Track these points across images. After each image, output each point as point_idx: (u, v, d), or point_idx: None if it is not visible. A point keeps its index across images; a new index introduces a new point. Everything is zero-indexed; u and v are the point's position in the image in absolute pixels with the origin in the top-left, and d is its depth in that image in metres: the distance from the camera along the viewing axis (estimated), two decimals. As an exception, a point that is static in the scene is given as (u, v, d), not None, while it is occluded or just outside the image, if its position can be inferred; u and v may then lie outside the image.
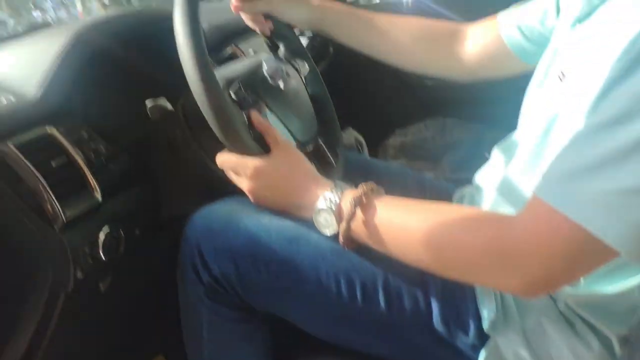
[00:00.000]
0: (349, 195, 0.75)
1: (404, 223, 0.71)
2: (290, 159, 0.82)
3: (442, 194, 1.06)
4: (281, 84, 0.94)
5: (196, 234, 0.85)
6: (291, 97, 0.95)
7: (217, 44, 1.20)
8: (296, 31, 1.10)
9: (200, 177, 0.94)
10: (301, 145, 0.94)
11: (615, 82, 0.56)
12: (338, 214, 0.75)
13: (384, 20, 1.07)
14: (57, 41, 0.86)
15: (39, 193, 0.76)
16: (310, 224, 0.79)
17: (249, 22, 1.02)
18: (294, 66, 1.03)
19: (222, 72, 0.90)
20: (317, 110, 1.08)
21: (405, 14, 1.98)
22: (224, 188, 0.85)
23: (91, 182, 0.82)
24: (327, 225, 0.76)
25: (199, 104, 0.77)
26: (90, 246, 0.82)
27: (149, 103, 0.84)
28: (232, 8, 0.99)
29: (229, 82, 0.87)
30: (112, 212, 0.85)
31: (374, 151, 1.86)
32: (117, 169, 0.88)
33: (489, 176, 0.92)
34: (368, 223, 0.73)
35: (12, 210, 0.76)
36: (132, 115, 0.89)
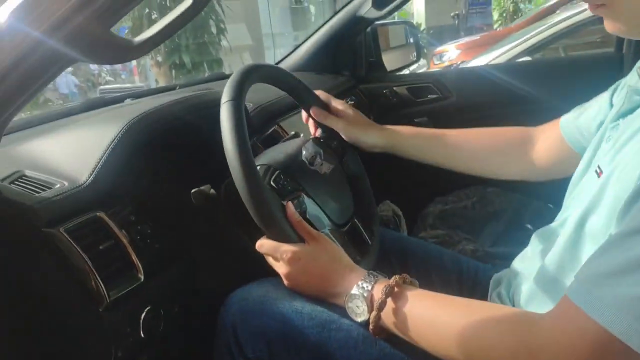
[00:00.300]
0: (382, 285, 0.77)
1: (434, 318, 0.72)
2: (326, 248, 0.85)
3: (480, 277, 1.06)
4: (319, 168, 0.98)
5: (232, 316, 0.87)
6: (328, 181, 0.98)
7: (261, 123, 1.26)
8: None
9: (239, 257, 0.97)
10: (337, 227, 0.97)
11: None
12: (370, 302, 0.78)
13: (454, 136, 1.12)
14: (110, 129, 0.92)
15: (85, 275, 0.80)
16: (342, 310, 0.82)
17: (310, 120, 1.11)
18: (332, 148, 1.07)
19: (264, 159, 0.95)
20: (355, 189, 1.12)
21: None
22: (261, 268, 0.88)
23: (135, 262, 0.86)
24: (359, 312, 0.79)
25: (240, 194, 0.82)
26: (132, 325, 0.85)
27: (194, 191, 0.89)
28: (307, 118, 1.09)
29: (270, 170, 0.92)
30: (154, 291, 0.89)
31: (413, 220, 1.87)
32: (160, 248, 0.92)
33: (527, 263, 0.92)
34: (398, 314, 0.75)
35: (60, 291, 0.81)
36: (177, 198, 0.93)
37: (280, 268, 0.85)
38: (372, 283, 0.79)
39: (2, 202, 0.80)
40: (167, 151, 0.98)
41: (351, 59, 2.15)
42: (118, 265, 0.84)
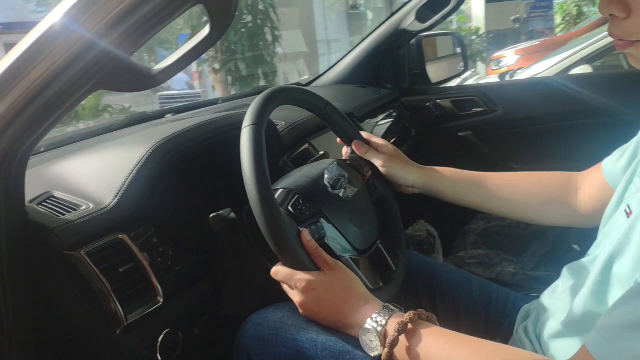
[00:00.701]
0: (396, 320, 0.75)
1: (447, 358, 0.70)
2: (341, 278, 0.84)
3: (509, 307, 1.03)
4: (341, 193, 0.96)
5: (247, 341, 0.87)
6: (351, 205, 0.97)
7: (292, 142, 1.26)
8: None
9: (259, 280, 0.97)
10: (359, 253, 0.95)
11: None
12: (383, 337, 0.76)
13: (494, 179, 1.08)
14: (136, 152, 0.93)
15: (105, 298, 0.81)
16: (357, 341, 0.80)
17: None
18: (358, 170, 1.05)
19: (285, 183, 0.94)
20: (382, 212, 1.09)
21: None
22: (282, 293, 0.87)
23: (155, 285, 0.87)
24: (372, 346, 0.77)
25: (257, 220, 0.82)
26: (149, 348, 0.86)
27: (212, 215, 0.89)
28: (355, 145, 1.09)
29: (290, 194, 0.91)
30: (173, 313, 0.90)
31: (449, 240, 1.82)
32: (182, 271, 0.93)
33: (556, 300, 0.88)
34: (411, 352, 0.73)
35: (79, 313, 0.83)
36: (200, 221, 0.94)
37: (295, 296, 0.84)
38: (387, 318, 0.77)
39: (28, 225, 0.83)
40: (191, 174, 0.99)
41: (394, 71, 2.12)
42: (138, 288, 0.85)
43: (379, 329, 0.76)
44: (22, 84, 0.69)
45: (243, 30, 8.49)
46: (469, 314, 1.03)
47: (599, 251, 0.80)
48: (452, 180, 1.08)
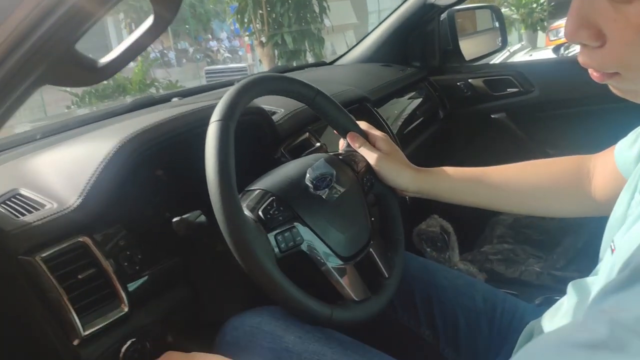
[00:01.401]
0: None
1: None
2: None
3: (515, 323, 0.92)
4: (324, 194, 0.88)
5: (224, 346, 0.82)
6: (334, 208, 0.88)
7: (290, 131, 1.17)
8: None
9: (238, 283, 0.90)
10: (345, 260, 0.87)
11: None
12: None
13: (496, 174, 0.97)
14: (103, 147, 0.87)
15: (61, 307, 0.76)
16: (334, 353, 0.76)
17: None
18: (351, 166, 0.96)
19: (261, 184, 0.87)
20: (379, 211, 1.00)
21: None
22: (264, 297, 0.81)
23: (119, 293, 0.82)
24: None
25: (219, 224, 0.75)
26: (111, 359, 0.80)
27: (175, 220, 0.83)
28: (349, 137, 0.99)
29: (264, 197, 0.83)
30: (140, 322, 0.84)
31: (468, 236, 1.69)
32: (152, 276, 0.87)
33: (558, 320, 0.77)
34: None
35: (38, 321, 0.78)
36: (171, 222, 0.87)
37: None
38: None
39: None
40: (165, 172, 0.92)
41: (422, 48, 1.99)
42: (99, 296, 0.80)
43: None
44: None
45: (290, 1, 8.36)
46: (470, 327, 0.94)
47: (599, 266, 0.69)
48: (450, 182, 0.97)
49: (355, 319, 0.84)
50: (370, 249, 0.92)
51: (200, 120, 0.90)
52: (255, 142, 1.09)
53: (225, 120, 0.80)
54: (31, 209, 0.83)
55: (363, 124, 1.02)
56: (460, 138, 2.00)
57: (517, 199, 0.96)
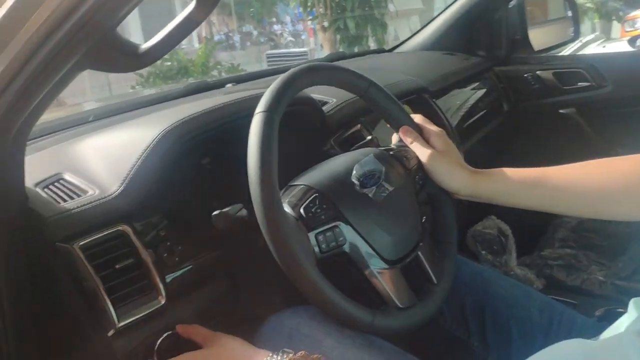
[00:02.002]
0: None
1: None
2: (221, 347, 0.77)
3: (572, 337, 0.84)
4: (371, 193, 0.83)
5: (262, 347, 0.78)
6: (381, 208, 0.83)
7: (342, 122, 1.12)
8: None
9: (278, 280, 0.87)
10: (390, 264, 0.82)
11: None
12: None
13: (559, 176, 0.89)
14: (147, 135, 0.85)
15: (96, 297, 0.75)
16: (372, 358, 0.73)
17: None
18: (402, 163, 0.91)
19: (304, 179, 0.83)
20: (431, 212, 0.94)
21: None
22: (301, 294, 0.77)
23: (157, 284, 0.80)
24: None
25: (258, 220, 0.72)
26: (145, 352, 0.79)
27: (215, 213, 0.80)
28: (402, 131, 0.93)
29: (307, 193, 0.79)
30: (177, 315, 0.82)
31: (528, 239, 1.60)
32: (191, 268, 0.85)
33: (618, 343, 0.69)
34: None
35: (74, 309, 0.77)
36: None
37: None
38: None
39: (25, 211, 0.78)
40: (206, 161, 0.89)
41: (488, 37, 1.90)
42: (136, 287, 0.78)
43: None
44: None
45: (353, -15, 8.25)
46: (524, 339, 0.87)
47: None
48: (507, 185, 0.89)
49: (397, 326, 0.79)
50: (419, 252, 0.86)
51: (245, 110, 0.86)
52: (303, 133, 1.05)
53: (269, 112, 0.76)
54: (73, 195, 0.82)
55: (418, 117, 0.96)
56: (525, 133, 1.90)
57: (582, 202, 0.88)
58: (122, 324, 0.76)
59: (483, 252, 1.38)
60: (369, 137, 1.08)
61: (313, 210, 0.77)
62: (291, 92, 0.80)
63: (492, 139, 1.73)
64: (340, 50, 8.34)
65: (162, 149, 0.84)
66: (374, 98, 0.92)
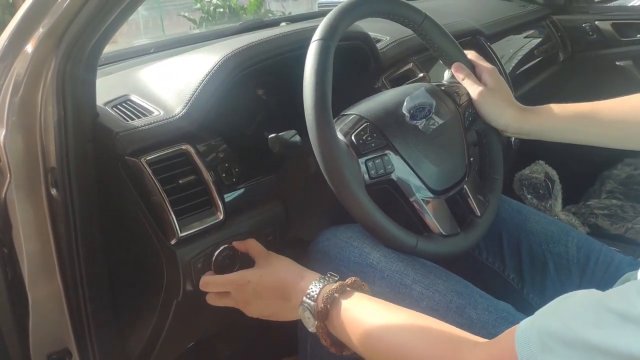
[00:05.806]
0: (325, 292, 0.72)
1: (379, 326, 0.67)
2: (274, 263, 0.82)
3: (609, 275, 0.87)
4: (421, 125, 0.85)
5: (315, 253, 0.86)
6: (430, 139, 0.86)
7: (394, 60, 1.14)
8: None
9: (327, 205, 0.92)
10: (435, 194, 0.85)
11: None
12: (315, 311, 0.72)
13: (610, 109, 0.89)
14: (209, 61, 0.89)
15: (161, 208, 0.81)
16: (416, 275, 0.79)
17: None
18: (453, 98, 0.93)
19: (357, 109, 0.86)
20: (479, 148, 0.97)
21: None
22: (349, 218, 0.82)
23: (216, 201, 0.85)
24: (310, 324, 0.74)
25: (312, 145, 0.76)
26: (204, 262, 0.85)
27: (271, 136, 0.84)
28: (454, 67, 0.95)
29: (359, 122, 0.83)
30: (233, 231, 0.88)
31: (579, 184, 1.59)
32: (247, 189, 0.90)
33: None
34: (343, 322, 0.70)
35: (139, 219, 0.83)
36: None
37: (234, 300, 0.82)
38: (318, 291, 0.73)
39: (96, 126, 0.84)
40: (262, 92, 0.93)
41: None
42: (197, 202, 0.84)
43: (312, 303, 0.72)
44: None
45: None
46: (560, 274, 0.90)
47: None
48: (556, 121, 0.90)
49: (439, 252, 0.83)
50: (465, 186, 0.89)
51: (302, 40, 0.89)
52: (357, 68, 1.08)
53: (325, 40, 0.79)
54: (140, 115, 0.88)
55: (472, 54, 0.98)
56: (579, 84, 1.86)
57: (629, 136, 0.88)
58: (183, 234, 0.81)
59: (529, 196, 1.39)
60: (421, 75, 1.10)
61: (364, 138, 0.81)
62: (347, 21, 0.82)
63: (546, 87, 1.71)
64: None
65: (222, 74, 0.89)
66: (428, 32, 0.94)
